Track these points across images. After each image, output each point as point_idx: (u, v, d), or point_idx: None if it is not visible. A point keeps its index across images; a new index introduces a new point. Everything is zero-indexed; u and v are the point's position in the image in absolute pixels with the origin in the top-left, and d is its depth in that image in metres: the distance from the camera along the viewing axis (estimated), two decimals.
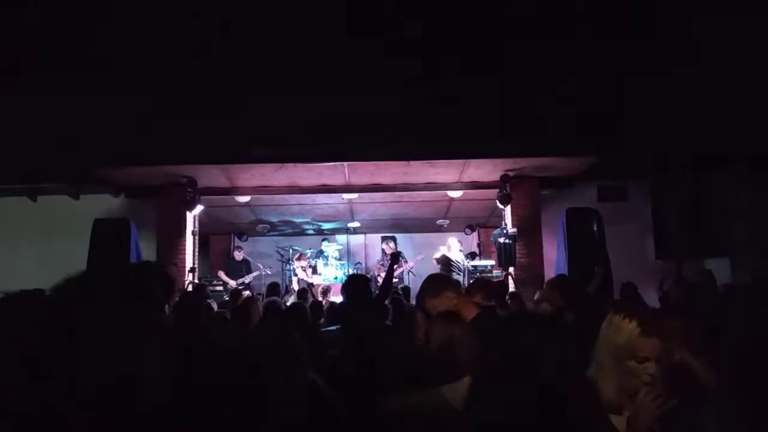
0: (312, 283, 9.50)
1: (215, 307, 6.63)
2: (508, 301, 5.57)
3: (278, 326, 2.91)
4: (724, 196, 9.89)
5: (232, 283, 9.46)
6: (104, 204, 9.66)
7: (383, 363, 2.75)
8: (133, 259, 7.96)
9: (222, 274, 9.73)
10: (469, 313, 2.72)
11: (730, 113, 8.30)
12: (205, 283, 8.47)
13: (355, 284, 4.01)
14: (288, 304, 6.10)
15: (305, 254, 10.37)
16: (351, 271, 10.99)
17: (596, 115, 8.07)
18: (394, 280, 9.72)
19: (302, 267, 10.07)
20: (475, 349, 2.22)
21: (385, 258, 10.27)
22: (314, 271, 10.21)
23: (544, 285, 7.21)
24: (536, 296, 6.43)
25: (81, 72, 7.89)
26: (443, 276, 3.21)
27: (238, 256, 10.19)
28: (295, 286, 9.84)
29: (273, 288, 6.96)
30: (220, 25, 8.11)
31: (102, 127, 7.63)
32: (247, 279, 9.79)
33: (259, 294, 7.96)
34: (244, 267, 9.99)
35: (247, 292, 7.60)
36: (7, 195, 9.81)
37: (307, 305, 4.92)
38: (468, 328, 2.38)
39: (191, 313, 3.94)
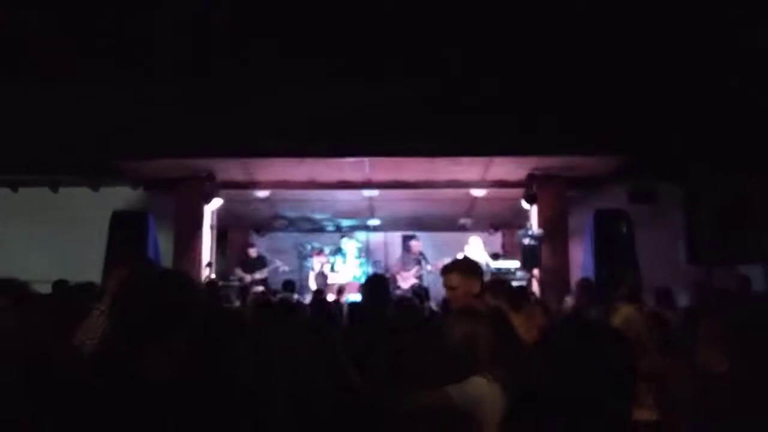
0: (326, 283, 9.40)
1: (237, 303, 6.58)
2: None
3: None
4: (759, 200, 9.56)
5: (248, 279, 9.42)
6: (123, 196, 9.69)
7: (393, 362, 2.72)
8: (150, 252, 7.92)
9: (239, 271, 9.74)
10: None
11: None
12: (217, 280, 8.39)
13: (373, 284, 4.03)
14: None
15: (324, 250, 10.25)
16: (370, 269, 10.85)
17: (626, 113, 7.78)
18: (415, 280, 9.58)
19: (321, 263, 9.96)
20: (494, 348, 2.24)
21: (407, 256, 10.08)
22: (332, 268, 10.10)
23: (573, 287, 7.01)
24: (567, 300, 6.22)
25: (102, 65, 7.86)
26: (479, 266, 3.22)
27: (253, 252, 10.16)
28: (311, 282, 9.74)
29: (288, 285, 6.83)
30: (243, 18, 8.00)
31: (122, 119, 7.60)
32: (260, 275, 9.71)
33: (275, 290, 7.85)
34: (259, 263, 9.97)
35: (261, 288, 7.48)
36: (28, 186, 9.89)
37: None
38: (488, 326, 2.35)
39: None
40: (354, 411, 2.05)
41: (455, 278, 2.96)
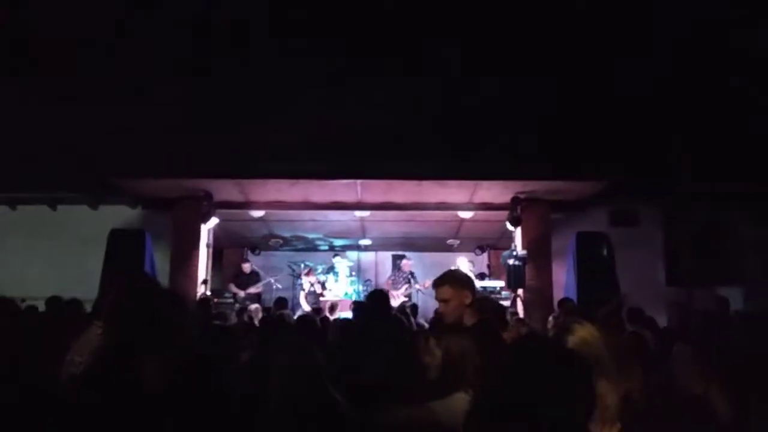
0: (317, 301, 9.60)
1: (234, 319, 6.76)
2: (512, 325, 5.58)
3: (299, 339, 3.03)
4: (738, 223, 9.85)
5: (242, 294, 9.61)
6: (121, 215, 9.86)
7: (378, 376, 2.81)
8: (147, 269, 8.10)
9: (232, 287, 9.92)
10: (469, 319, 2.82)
11: (747, 141, 8.32)
12: (208, 296, 8.57)
13: (377, 299, 4.18)
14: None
15: (315, 270, 10.47)
16: (361, 288, 11.07)
17: (608, 139, 8.10)
18: (404, 298, 9.83)
19: (310, 282, 10.16)
20: (479, 364, 2.25)
21: (397, 274, 10.32)
22: (323, 286, 10.30)
23: (556, 308, 7.25)
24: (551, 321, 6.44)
25: (103, 85, 8.11)
26: (470, 277, 3.32)
27: (247, 268, 10.35)
28: (302, 301, 9.93)
29: (280, 302, 7.05)
30: (237, 41, 8.30)
31: (122, 139, 7.81)
32: (255, 289, 9.96)
33: (268, 307, 8.05)
34: (253, 278, 10.17)
35: (256, 305, 7.69)
36: (27, 203, 10.06)
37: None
38: (475, 342, 2.38)
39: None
40: (339, 427, 2.14)
41: (447, 291, 2.97)
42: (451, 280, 3.06)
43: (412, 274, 10.28)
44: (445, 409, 2.14)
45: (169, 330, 1.65)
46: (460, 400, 2.16)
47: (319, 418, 2.15)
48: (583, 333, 3.13)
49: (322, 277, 10.41)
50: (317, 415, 2.15)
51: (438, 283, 3.05)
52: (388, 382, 2.61)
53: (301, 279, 10.60)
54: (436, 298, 3.08)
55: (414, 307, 8.00)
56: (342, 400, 2.26)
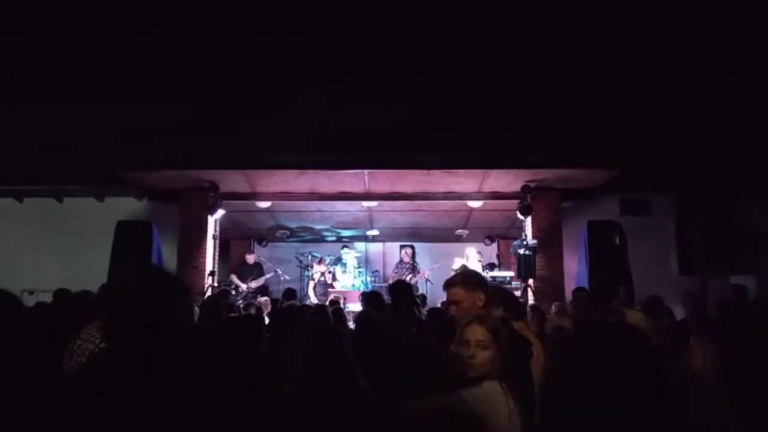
0: (326, 292, 9.51)
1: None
2: (529, 314, 5.51)
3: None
4: (750, 212, 9.70)
5: (243, 287, 9.52)
6: (128, 207, 9.84)
7: (405, 366, 2.75)
8: (154, 260, 8.07)
9: (234, 278, 9.78)
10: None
11: (756, 126, 8.17)
12: (226, 288, 8.54)
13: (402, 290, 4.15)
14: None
15: (325, 259, 10.38)
16: (369, 279, 10.99)
17: (619, 127, 7.98)
18: None
19: (321, 272, 10.08)
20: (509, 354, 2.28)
21: (400, 266, 10.24)
22: (333, 277, 10.22)
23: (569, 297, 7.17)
24: (553, 309, 6.38)
25: (110, 78, 8.06)
26: (482, 277, 3.20)
27: (250, 259, 10.19)
28: (311, 292, 9.85)
29: (289, 293, 6.98)
30: (244, 34, 8.22)
31: (128, 131, 7.76)
32: (256, 283, 9.75)
33: (276, 299, 7.99)
34: (256, 270, 10.01)
35: (265, 298, 7.62)
36: (34, 196, 10.04)
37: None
38: (512, 332, 2.39)
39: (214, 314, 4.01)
40: (365, 414, 2.11)
41: (458, 292, 2.78)
42: (463, 280, 2.85)
43: (414, 263, 10.20)
44: (476, 398, 2.13)
45: (174, 316, 1.61)
46: (491, 388, 2.16)
47: (344, 404, 2.11)
48: (635, 318, 3.11)
49: (330, 268, 10.33)
50: (342, 401, 2.12)
51: (449, 284, 2.87)
52: (414, 372, 2.57)
53: (309, 270, 10.52)
54: (447, 300, 2.93)
55: (423, 298, 7.92)
56: (369, 386, 2.23)
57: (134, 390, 1.46)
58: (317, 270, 10.11)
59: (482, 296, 2.79)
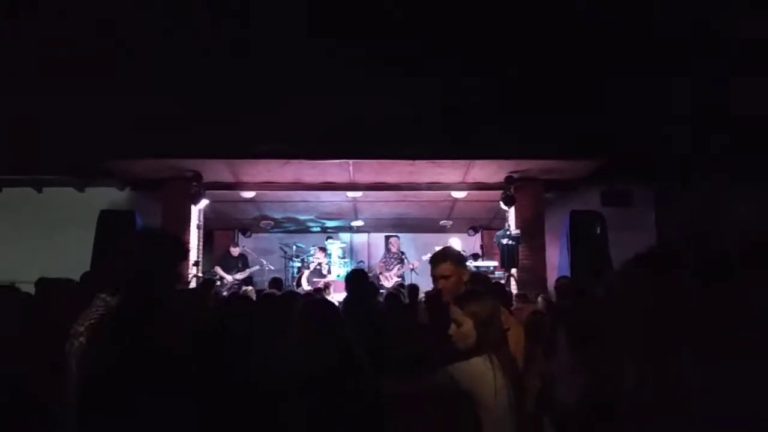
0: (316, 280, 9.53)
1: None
2: (514, 302, 5.58)
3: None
4: (730, 203, 9.87)
5: (228, 278, 9.47)
6: (109, 197, 9.73)
7: (392, 346, 2.81)
8: None
9: (218, 269, 9.69)
10: None
11: (736, 117, 8.30)
12: (213, 279, 8.49)
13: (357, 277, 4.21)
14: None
15: (326, 249, 10.45)
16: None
17: (601, 118, 8.06)
18: (397, 279, 9.79)
19: (319, 261, 10.10)
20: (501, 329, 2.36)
21: (388, 255, 10.27)
22: (329, 270, 10.28)
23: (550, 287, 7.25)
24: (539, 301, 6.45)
25: (89, 67, 7.93)
26: (463, 255, 3.32)
27: (235, 251, 10.08)
28: (304, 281, 9.85)
29: (276, 283, 6.98)
30: (228, 25, 8.14)
31: (108, 120, 7.67)
32: (242, 275, 9.67)
33: (262, 290, 7.98)
34: (241, 262, 9.92)
35: (250, 287, 7.61)
36: (13, 186, 9.89)
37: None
38: (499, 306, 2.46)
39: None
40: (360, 391, 2.15)
41: (448, 267, 2.89)
42: (452, 256, 3.00)
43: (402, 253, 10.24)
44: (463, 374, 2.20)
45: (176, 272, 1.72)
46: (478, 364, 2.22)
47: (342, 384, 2.14)
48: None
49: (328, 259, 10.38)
50: (341, 380, 2.14)
51: (438, 259, 2.97)
52: (402, 352, 2.65)
53: (295, 260, 10.54)
54: (435, 275, 2.99)
55: (414, 288, 7.94)
56: (367, 365, 2.27)
57: (137, 353, 1.50)
58: (317, 258, 10.11)
59: (466, 272, 2.97)
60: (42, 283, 5.79)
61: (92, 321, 2.58)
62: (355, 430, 2.09)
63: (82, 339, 2.50)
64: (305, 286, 9.47)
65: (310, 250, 10.64)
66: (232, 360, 2.32)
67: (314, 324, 2.26)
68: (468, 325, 2.29)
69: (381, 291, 7.20)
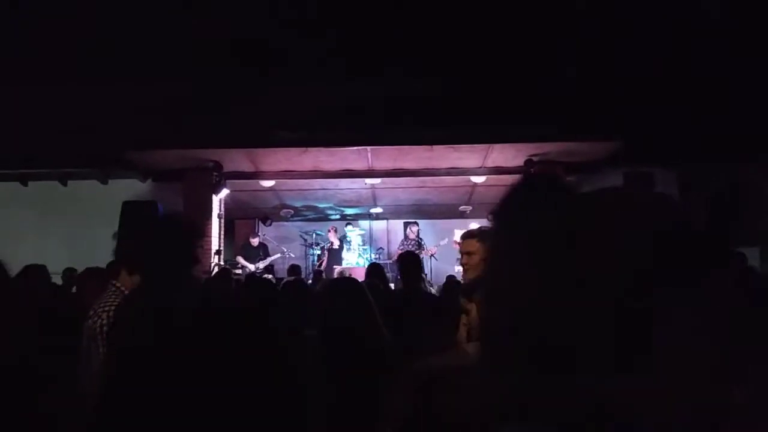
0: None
1: None
2: None
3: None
4: (755, 185, 9.67)
5: (251, 267, 9.60)
6: (132, 188, 9.86)
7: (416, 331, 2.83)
8: None
9: (240, 259, 9.85)
10: None
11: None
12: (229, 266, 8.59)
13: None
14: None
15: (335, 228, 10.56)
16: (373, 257, 11.05)
17: (623, 99, 7.93)
18: None
19: (331, 242, 10.23)
20: None
21: (405, 242, 10.28)
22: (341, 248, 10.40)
23: None
24: None
25: (111, 59, 8.01)
26: None
27: (254, 242, 10.22)
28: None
29: (294, 269, 7.04)
30: (246, 13, 8.15)
31: (130, 112, 7.76)
32: (263, 263, 9.85)
33: (281, 277, 8.06)
34: (262, 251, 10.07)
35: (269, 276, 7.69)
36: (40, 179, 10.09)
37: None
38: None
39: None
40: (381, 350, 2.21)
41: (474, 243, 2.93)
42: (481, 235, 3.03)
43: (420, 239, 10.23)
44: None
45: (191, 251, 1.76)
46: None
47: (369, 355, 2.17)
48: None
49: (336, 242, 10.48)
50: (363, 338, 2.18)
51: (467, 235, 3.06)
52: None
53: (316, 247, 10.66)
54: (461, 251, 3.07)
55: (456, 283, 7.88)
56: (391, 340, 2.31)
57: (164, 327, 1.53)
58: (330, 237, 10.34)
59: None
60: (69, 272, 5.97)
61: (109, 305, 2.60)
62: (375, 390, 2.11)
63: (103, 321, 2.52)
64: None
65: (323, 234, 10.75)
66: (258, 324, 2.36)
67: (340, 288, 2.33)
68: (474, 311, 2.32)
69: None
